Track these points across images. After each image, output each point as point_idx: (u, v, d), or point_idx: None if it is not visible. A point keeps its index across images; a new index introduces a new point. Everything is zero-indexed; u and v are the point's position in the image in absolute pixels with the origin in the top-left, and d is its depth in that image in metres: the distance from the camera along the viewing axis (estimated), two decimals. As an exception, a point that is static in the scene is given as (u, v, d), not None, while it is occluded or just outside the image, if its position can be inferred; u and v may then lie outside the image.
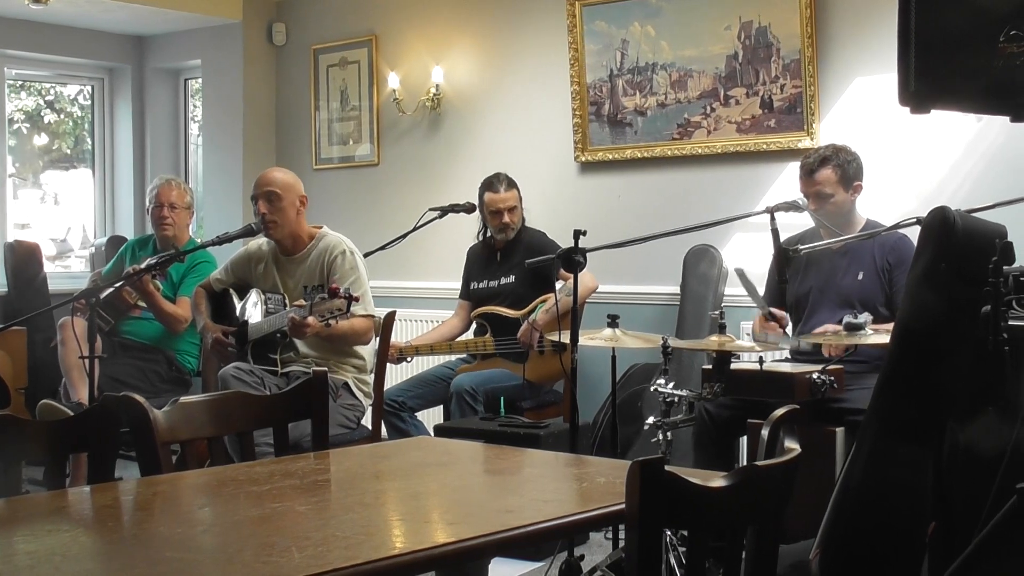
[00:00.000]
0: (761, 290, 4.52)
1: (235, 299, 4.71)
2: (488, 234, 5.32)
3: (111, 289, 4.87)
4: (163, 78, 7.48)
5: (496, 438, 4.35)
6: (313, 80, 6.81)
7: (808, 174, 4.22)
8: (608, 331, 3.99)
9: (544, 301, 5.01)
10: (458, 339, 5.30)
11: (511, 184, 5.21)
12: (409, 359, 5.26)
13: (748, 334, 4.85)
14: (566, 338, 3.85)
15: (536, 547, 4.14)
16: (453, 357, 5.32)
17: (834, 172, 4.19)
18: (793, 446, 1.94)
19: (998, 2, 2.01)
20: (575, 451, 3.77)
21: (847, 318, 3.87)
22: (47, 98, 7.77)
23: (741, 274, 4.07)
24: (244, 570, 1.71)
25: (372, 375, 4.53)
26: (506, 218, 5.16)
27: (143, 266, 4.75)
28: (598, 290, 5.14)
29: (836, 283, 4.23)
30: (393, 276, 6.20)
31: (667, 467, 1.63)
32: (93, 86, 7.50)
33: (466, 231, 5.40)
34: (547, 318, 4.91)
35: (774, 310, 4.17)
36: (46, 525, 2.03)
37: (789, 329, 4.27)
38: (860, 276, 4.18)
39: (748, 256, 5.07)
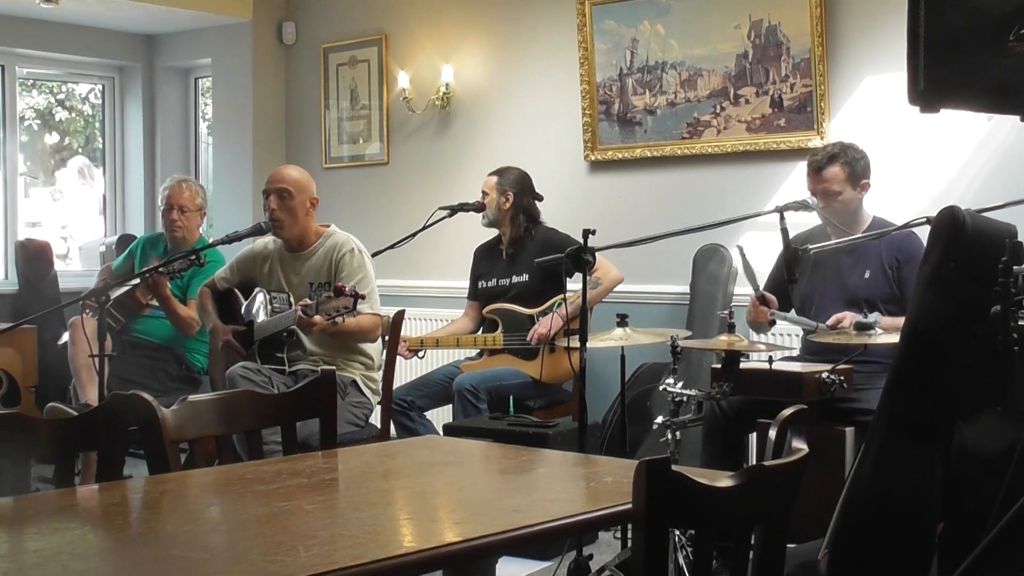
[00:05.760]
0: (762, 282, 4.51)
1: (240, 298, 4.71)
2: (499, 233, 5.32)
3: (124, 289, 4.87)
4: (173, 77, 7.49)
5: (505, 437, 4.34)
6: (323, 79, 6.82)
7: (816, 171, 4.22)
8: (619, 331, 3.99)
9: (563, 299, 4.97)
10: (467, 334, 5.28)
11: (497, 172, 5.27)
12: (421, 354, 5.24)
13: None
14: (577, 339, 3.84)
15: (544, 546, 4.14)
16: (461, 356, 5.30)
17: (842, 170, 4.19)
18: (801, 446, 1.94)
19: (1007, 2, 2.00)
20: (584, 450, 3.77)
21: (857, 318, 3.86)
22: (58, 96, 7.79)
23: (742, 252, 4.08)
24: (251, 569, 1.71)
25: (380, 372, 4.53)
26: (484, 199, 5.22)
27: (159, 266, 4.73)
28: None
29: (843, 281, 4.22)
30: (402, 275, 6.20)
31: (674, 467, 1.63)
32: (104, 85, 7.52)
33: (476, 230, 5.39)
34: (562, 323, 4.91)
35: (766, 293, 4.18)
36: (54, 523, 2.03)
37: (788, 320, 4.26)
38: (867, 274, 4.17)
39: (757, 255, 5.05)
